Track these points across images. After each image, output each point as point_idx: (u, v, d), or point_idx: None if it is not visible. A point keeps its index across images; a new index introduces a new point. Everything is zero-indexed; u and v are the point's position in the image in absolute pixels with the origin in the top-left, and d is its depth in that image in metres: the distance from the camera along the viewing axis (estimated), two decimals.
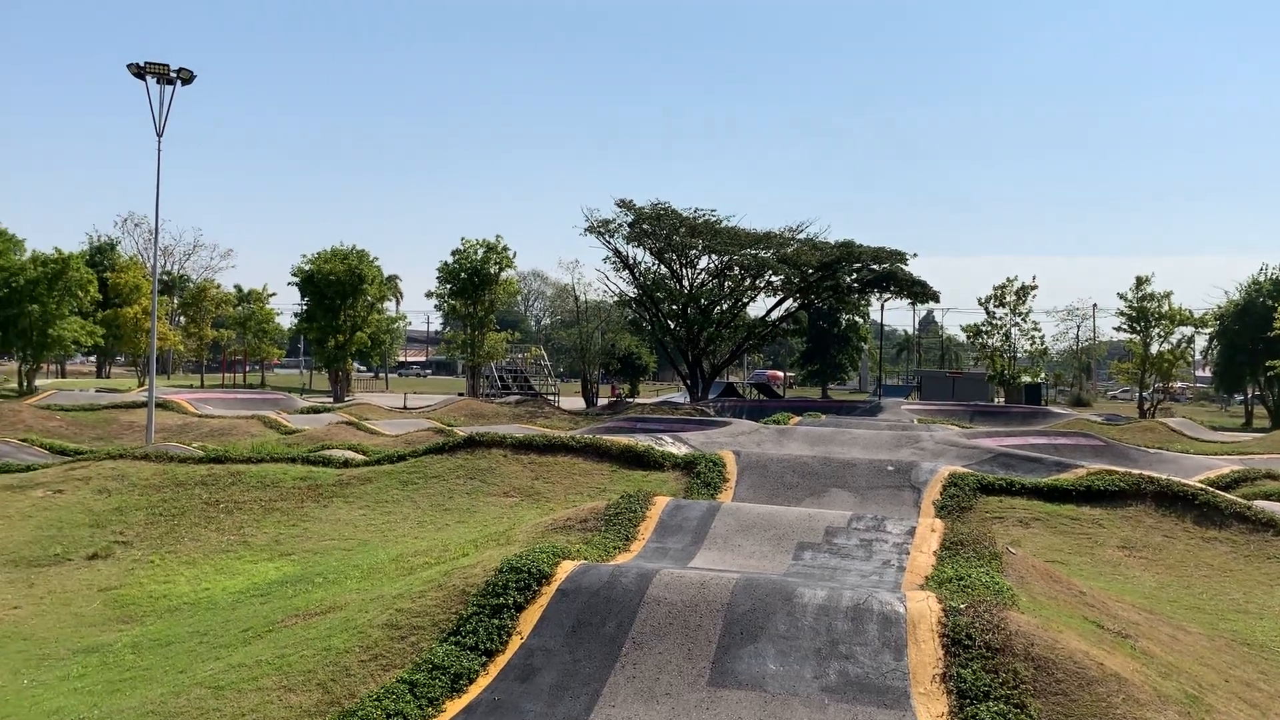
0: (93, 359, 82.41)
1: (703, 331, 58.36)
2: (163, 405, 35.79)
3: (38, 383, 56.67)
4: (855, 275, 59.17)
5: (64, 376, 75.70)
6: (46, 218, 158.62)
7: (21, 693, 9.36)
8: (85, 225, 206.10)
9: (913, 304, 66.12)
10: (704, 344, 59.18)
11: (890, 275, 58.28)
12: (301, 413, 41.24)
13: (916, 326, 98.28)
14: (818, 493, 16.00)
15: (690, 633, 8.26)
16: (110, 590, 13.17)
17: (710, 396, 56.99)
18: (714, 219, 57.03)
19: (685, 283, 59.13)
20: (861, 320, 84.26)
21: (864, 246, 57.53)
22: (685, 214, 56.67)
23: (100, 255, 73.77)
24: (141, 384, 57.41)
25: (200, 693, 8.31)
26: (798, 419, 34.19)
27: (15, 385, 55.72)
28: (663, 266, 59.06)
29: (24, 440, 26.29)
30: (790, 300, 61.70)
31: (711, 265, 59.10)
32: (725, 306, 60.21)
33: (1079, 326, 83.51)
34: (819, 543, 11.12)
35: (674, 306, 59.07)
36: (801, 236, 58.15)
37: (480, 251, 57.84)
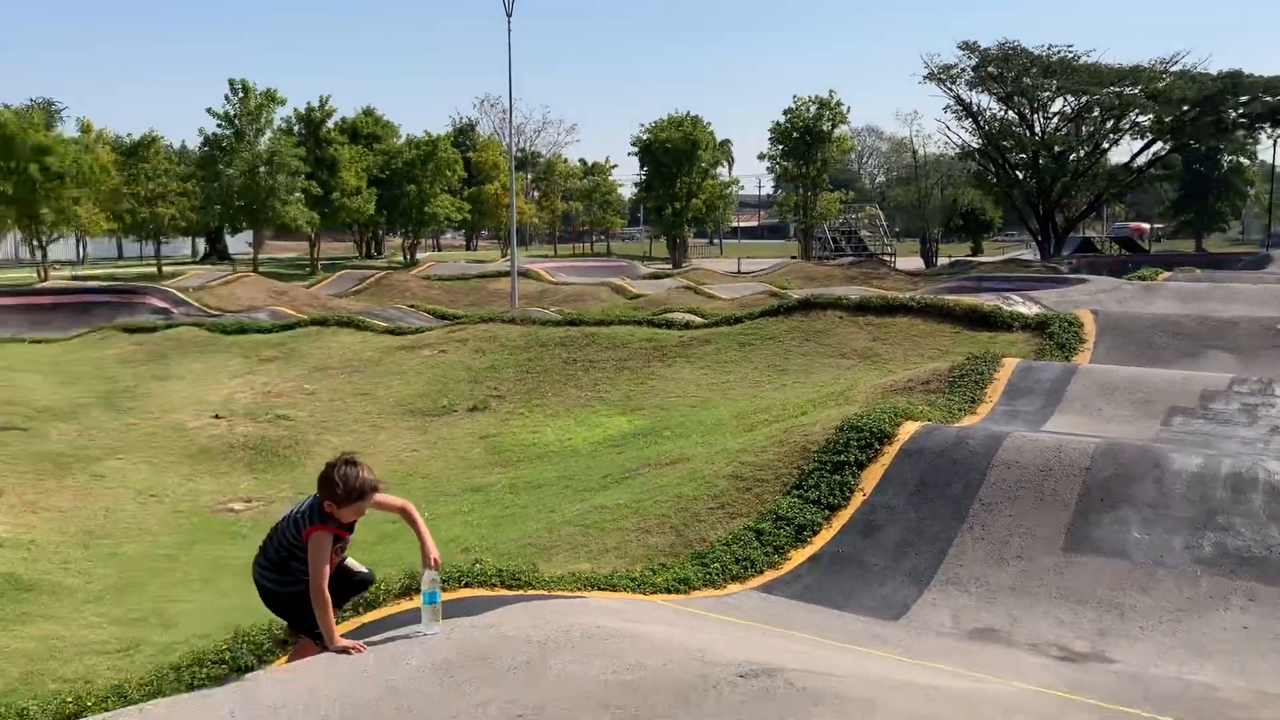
0: (461, 233, 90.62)
1: (1055, 182, 53.86)
2: (523, 274, 38.85)
3: (419, 255, 63.31)
4: (1242, 110, 51.68)
5: (439, 250, 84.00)
6: (416, 104, 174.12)
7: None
8: (449, 109, 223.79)
9: None
10: (1057, 196, 54.68)
11: None
12: (643, 279, 43.14)
13: None
14: (1191, 354, 14.51)
15: (1044, 498, 7.91)
16: (488, 438, 14.75)
17: (1064, 253, 52.94)
18: (1070, 56, 51.77)
19: (1036, 129, 54.56)
20: (1247, 162, 73.88)
21: (1254, 77, 49.92)
22: (1037, 52, 51.88)
23: (463, 136, 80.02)
24: (504, 255, 62.46)
25: (570, 530, 9.18)
26: (1167, 274, 30.96)
27: (401, 258, 62.64)
28: (1010, 113, 54.83)
29: (411, 306, 29.70)
30: (1159, 143, 55.20)
31: (1067, 108, 54.06)
32: (1082, 154, 55.05)
33: None
34: (1192, 407, 10.16)
35: (1023, 156, 54.89)
36: (1175, 69, 51.44)
37: (812, 109, 56.63)
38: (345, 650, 4.16)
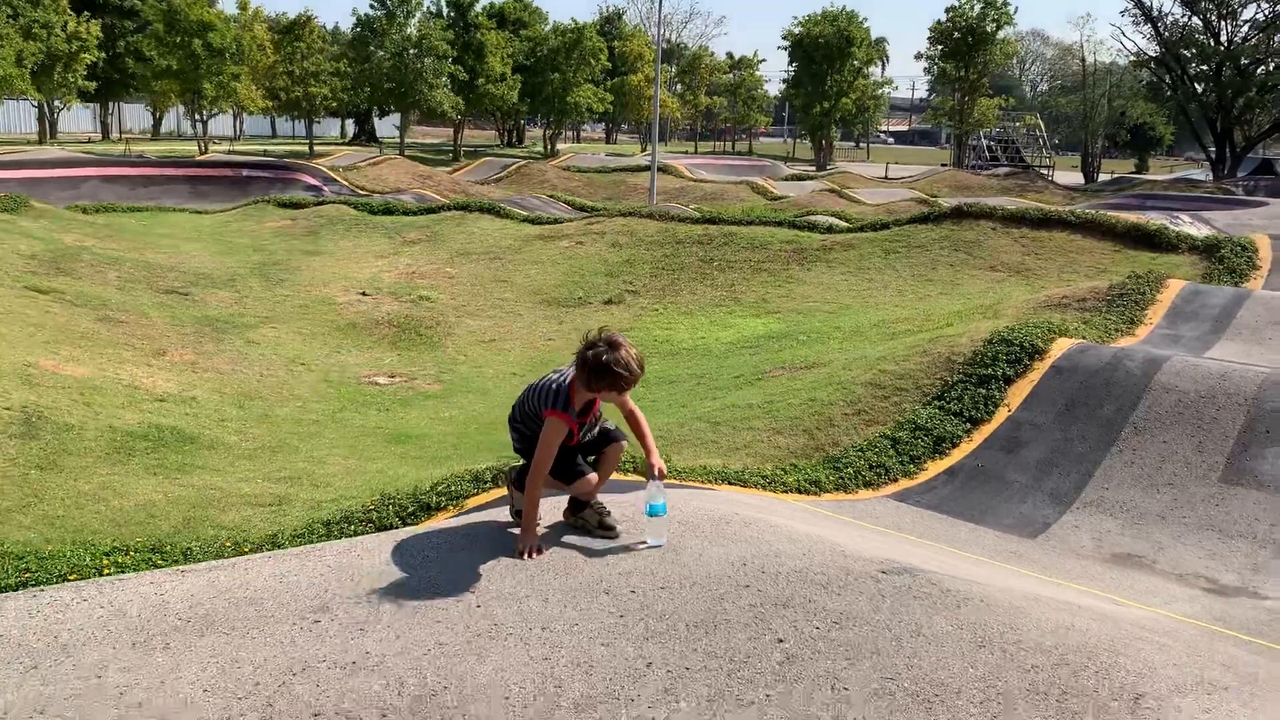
0: (601, 126, 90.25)
1: (1238, 96, 49.90)
2: (663, 169, 38.52)
3: (559, 146, 63.43)
4: None
5: (579, 141, 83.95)
6: None
7: None
8: None
9: None
10: (1238, 112, 50.75)
11: None
12: (785, 180, 42.26)
13: None
14: None
15: (1203, 425, 7.50)
16: (622, 332, 14.82)
17: (1239, 175, 49.34)
18: None
19: (1222, 38, 50.43)
20: None
21: None
22: None
23: (609, 25, 79.01)
24: (644, 149, 62.00)
25: (700, 425, 9.19)
26: None
27: (541, 148, 62.84)
28: (1195, 18, 50.77)
29: (551, 196, 29.89)
30: None
31: (1260, 15, 49.65)
32: (1271, 67, 50.72)
33: None
34: None
35: (1204, 67, 50.94)
36: None
37: (976, 8, 53.64)
38: (522, 553, 3.83)
